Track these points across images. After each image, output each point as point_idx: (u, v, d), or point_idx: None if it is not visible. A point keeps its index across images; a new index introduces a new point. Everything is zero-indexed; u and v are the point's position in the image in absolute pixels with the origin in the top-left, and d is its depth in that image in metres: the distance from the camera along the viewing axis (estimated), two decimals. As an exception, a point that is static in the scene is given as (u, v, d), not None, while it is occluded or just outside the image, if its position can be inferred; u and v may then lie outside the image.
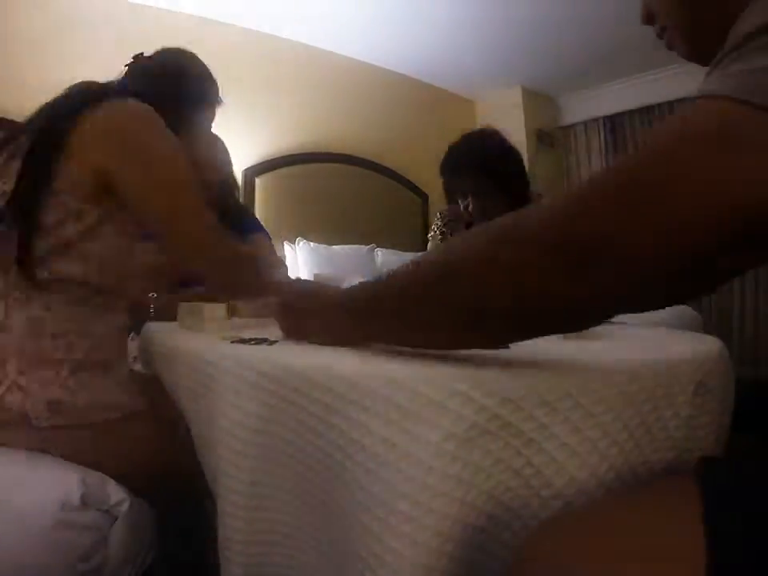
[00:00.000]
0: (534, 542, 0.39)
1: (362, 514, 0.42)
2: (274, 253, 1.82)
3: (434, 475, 0.40)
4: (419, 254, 1.97)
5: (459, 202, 1.61)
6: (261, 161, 2.98)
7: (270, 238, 1.87)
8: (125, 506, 0.71)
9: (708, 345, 0.60)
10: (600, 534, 0.36)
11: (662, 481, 0.43)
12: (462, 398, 0.39)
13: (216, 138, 1.78)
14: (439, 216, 1.75)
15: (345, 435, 0.44)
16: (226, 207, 1.71)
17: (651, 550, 0.34)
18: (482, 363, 0.45)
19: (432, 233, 1.74)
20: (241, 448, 0.54)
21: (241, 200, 2.74)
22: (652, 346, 0.68)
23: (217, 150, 1.75)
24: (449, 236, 1.71)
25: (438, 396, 0.40)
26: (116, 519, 0.70)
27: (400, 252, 3.25)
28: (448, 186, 1.64)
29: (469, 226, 1.65)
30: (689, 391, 0.49)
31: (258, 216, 2.91)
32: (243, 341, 0.67)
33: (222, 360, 0.60)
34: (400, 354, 0.52)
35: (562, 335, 0.67)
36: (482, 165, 1.52)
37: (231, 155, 1.83)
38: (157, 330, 0.91)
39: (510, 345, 0.46)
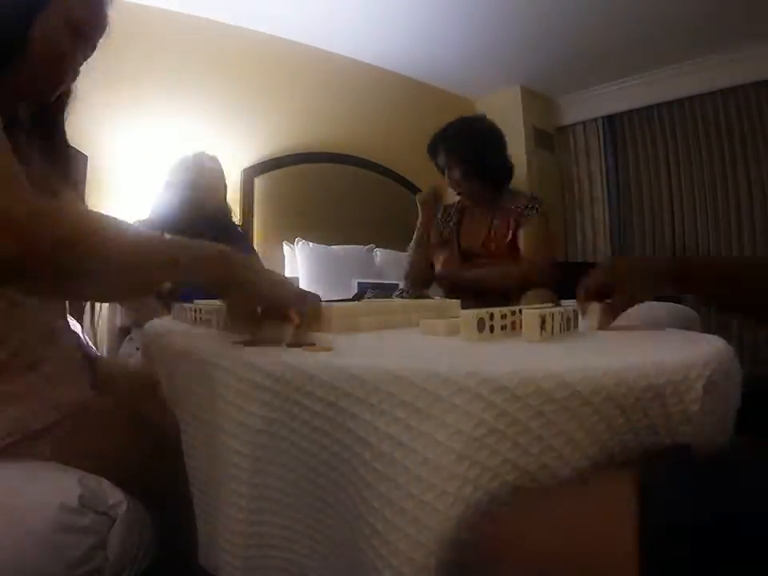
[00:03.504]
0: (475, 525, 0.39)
1: (369, 514, 0.41)
2: None
3: (440, 474, 0.39)
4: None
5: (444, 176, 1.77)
6: (260, 161, 2.97)
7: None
8: (122, 508, 0.70)
9: (712, 343, 0.59)
10: (532, 524, 0.36)
11: (603, 474, 0.43)
12: (469, 395, 0.39)
13: (212, 159, 1.89)
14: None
15: (351, 433, 0.44)
16: (223, 222, 1.89)
17: (582, 542, 0.34)
18: (490, 360, 0.44)
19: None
20: (242, 449, 0.53)
21: (238, 202, 2.82)
22: (658, 344, 0.68)
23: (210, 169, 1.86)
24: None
25: (445, 393, 0.39)
26: (114, 522, 0.69)
27: (399, 252, 3.24)
28: (433, 161, 1.80)
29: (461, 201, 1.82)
30: (698, 388, 0.48)
31: (255, 216, 2.92)
32: (245, 342, 0.66)
33: (223, 361, 0.59)
34: (406, 351, 0.51)
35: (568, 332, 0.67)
36: (451, 142, 1.71)
37: (230, 156, 1.87)
38: (158, 329, 0.90)
39: None
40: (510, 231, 1.68)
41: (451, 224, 1.82)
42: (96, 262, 0.53)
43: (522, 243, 1.67)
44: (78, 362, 0.83)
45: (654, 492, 0.34)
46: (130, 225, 0.67)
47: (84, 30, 0.79)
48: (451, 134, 1.73)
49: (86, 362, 0.86)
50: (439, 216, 1.85)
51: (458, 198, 1.84)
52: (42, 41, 0.73)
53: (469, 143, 1.69)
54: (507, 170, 1.77)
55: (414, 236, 1.84)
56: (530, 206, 1.69)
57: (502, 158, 1.76)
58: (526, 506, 0.39)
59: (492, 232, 1.72)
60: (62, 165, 0.86)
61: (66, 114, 0.86)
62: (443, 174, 1.76)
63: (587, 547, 0.34)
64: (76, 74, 0.81)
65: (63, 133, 0.87)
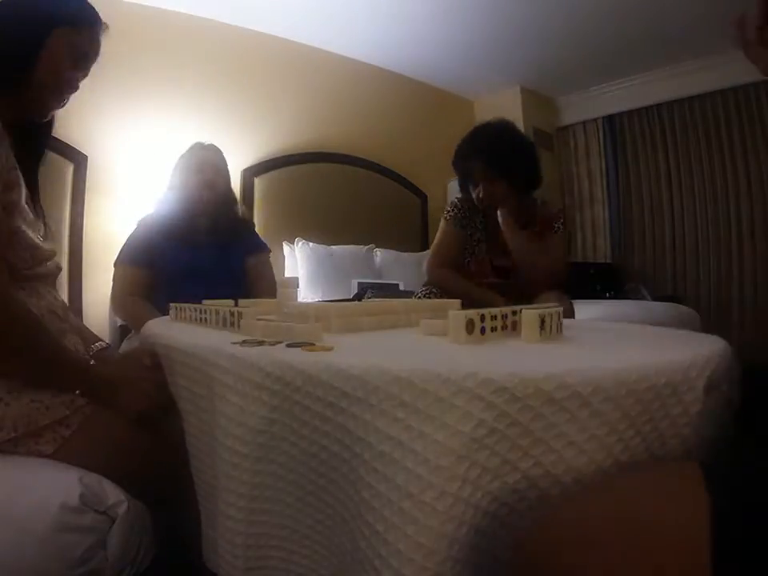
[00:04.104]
0: (547, 524, 0.39)
1: (368, 514, 0.41)
2: (271, 273, 1.85)
3: (439, 475, 0.39)
4: (418, 254, 2.01)
5: (470, 189, 1.67)
6: (260, 161, 2.97)
7: (269, 251, 1.87)
8: (122, 508, 0.70)
9: (713, 344, 0.59)
10: (607, 520, 0.36)
11: (665, 466, 0.43)
12: (469, 396, 0.39)
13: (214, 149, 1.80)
14: (451, 204, 1.79)
15: (351, 434, 0.44)
16: (225, 217, 1.74)
17: (659, 535, 0.34)
18: (490, 361, 0.44)
19: (445, 214, 1.78)
20: (242, 449, 0.53)
21: (240, 202, 2.76)
22: (658, 345, 0.68)
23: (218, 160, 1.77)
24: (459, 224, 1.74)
25: (445, 393, 0.39)
26: (114, 521, 0.69)
27: (399, 252, 3.24)
28: (461, 173, 1.70)
29: (485, 212, 1.70)
30: (698, 389, 0.48)
31: (255, 216, 2.92)
32: (245, 342, 0.66)
33: (223, 361, 0.59)
34: (405, 351, 0.51)
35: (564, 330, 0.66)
36: (490, 153, 1.59)
37: (230, 156, 1.83)
38: (157, 328, 0.90)
39: None
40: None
41: (477, 235, 1.73)
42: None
43: (542, 251, 1.64)
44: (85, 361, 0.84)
45: (721, 480, 0.35)
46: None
47: (84, 62, 0.88)
48: (493, 144, 1.61)
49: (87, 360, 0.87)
50: (456, 225, 1.74)
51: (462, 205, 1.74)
52: (46, 69, 0.82)
53: (515, 154, 1.60)
54: (540, 182, 1.71)
55: (435, 248, 1.77)
56: (558, 217, 1.68)
57: (539, 170, 1.69)
58: (588, 496, 0.40)
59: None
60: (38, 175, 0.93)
61: (52, 130, 0.96)
62: (468, 185, 1.66)
63: (657, 529, 0.34)
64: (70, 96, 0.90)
65: (46, 147, 0.96)
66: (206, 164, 1.71)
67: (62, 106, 0.90)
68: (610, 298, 3.30)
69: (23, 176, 0.81)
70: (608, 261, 3.97)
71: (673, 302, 2.98)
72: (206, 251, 1.65)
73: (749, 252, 3.38)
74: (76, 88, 0.89)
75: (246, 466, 0.53)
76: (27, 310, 0.71)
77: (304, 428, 0.49)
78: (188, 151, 1.77)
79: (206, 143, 1.79)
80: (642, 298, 3.33)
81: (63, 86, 0.86)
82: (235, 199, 1.85)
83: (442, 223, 1.78)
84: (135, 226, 1.71)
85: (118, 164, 2.48)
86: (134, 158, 2.51)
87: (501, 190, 1.60)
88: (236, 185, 2.84)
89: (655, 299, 3.18)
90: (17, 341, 0.68)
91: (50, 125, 0.94)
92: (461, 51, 3.34)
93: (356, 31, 3.10)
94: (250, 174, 2.92)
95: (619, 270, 3.82)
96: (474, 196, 1.66)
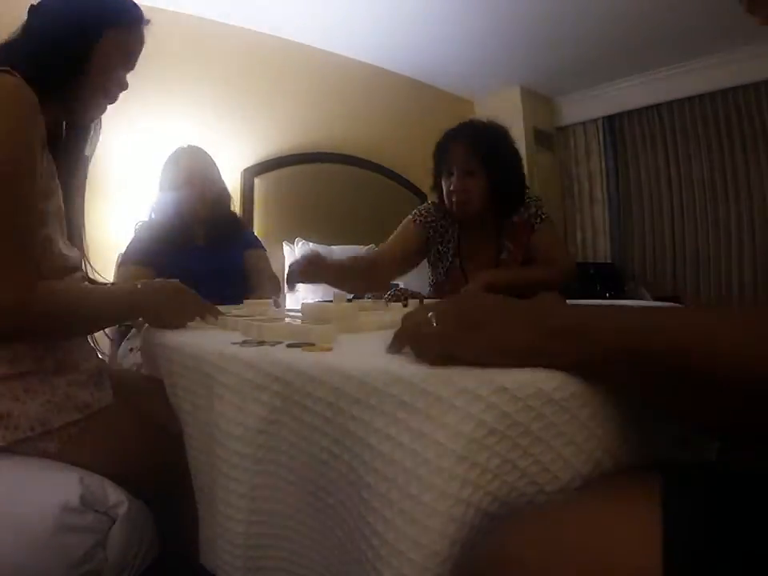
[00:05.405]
0: (490, 540, 0.39)
1: (368, 514, 0.41)
2: (270, 268, 1.86)
3: (440, 476, 0.39)
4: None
5: (443, 185, 1.52)
6: (260, 161, 2.97)
7: (265, 250, 1.89)
8: (123, 508, 0.71)
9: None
10: (554, 526, 0.36)
11: (628, 472, 0.43)
12: (469, 396, 0.39)
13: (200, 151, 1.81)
14: (425, 206, 1.69)
15: (351, 434, 0.44)
16: (220, 220, 1.76)
17: (605, 537, 0.34)
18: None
19: (414, 211, 1.67)
20: (242, 449, 0.54)
21: (238, 202, 2.78)
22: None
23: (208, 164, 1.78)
24: None
25: (445, 394, 0.39)
26: (114, 522, 0.69)
27: (399, 252, 3.24)
28: (438, 159, 1.56)
29: (458, 220, 1.56)
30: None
31: (255, 216, 2.92)
32: (245, 342, 0.66)
33: (223, 361, 0.59)
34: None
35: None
36: (475, 137, 1.45)
37: (230, 156, 1.84)
38: (159, 330, 0.89)
39: None
40: (524, 251, 1.50)
41: (450, 244, 1.59)
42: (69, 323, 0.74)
43: (535, 251, 1.50)
44: (103, 369, 0.85)
45: (678, 518, 0.34)
46: (89, 290, 0.85)
47: (132, 60, 0.92)
48: (480, 131, 1.46)
49: (105, 368, 0.88)
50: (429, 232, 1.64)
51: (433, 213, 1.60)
52: (97, 71, 0.83)
53: (501, 149, 1.45)
54: (523, 191, 1.52)
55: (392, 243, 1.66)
56: (536, 214, 1.50)
57: (522, 174, 1.53)
58: (539, 518, 0.39)
59: (504, 254, 1.52)
60: (82, 176, 0.97)
61: (91, 132, 0.99)
62: (443, 176, 1.52)
63: (608, 564, 0.34)
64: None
65: (85, 148, 0.98)
66: (194, 175, 1.70)
67: (112, 103, 0.92)
68: (609, 298, 3.30)
69: (61, 185, 0.82)
70: (608, 261, 3.97)
71: (673, 302, 2.98)
72: (204, 253, 1.67)
73: (749, 252, 3.38)
74: (126, 86, 0.91)
75: (246, 467, 0.53)
76: (56, 292, 0.72)
77: (304, 428, 0.49)
78: (171, 160, 1.77)
79: (187, 147, 1.79)
80: (642, 298, 3.33)
81: (114, 86, 0.88)
82: (229, 196, 1.85)
83: (404, 221, 1.63)
84: (134, 233, 1.73)
85: (117, 164, 2.48)
86: (133, 158, 2.51)
87: (476, 184, 1.42)
88: (236, 185, 2.84)
89: (655, 299, 3.19)
90: (64, 322, 0.73)
91: (87, 131, 0.96)
92: (461, 51, 3.34)
93: (356, 31, 3.10)
94: (250, 174, 2.92)
95: (619, 270, 3.82)
96: (444, 190, 1.50)
